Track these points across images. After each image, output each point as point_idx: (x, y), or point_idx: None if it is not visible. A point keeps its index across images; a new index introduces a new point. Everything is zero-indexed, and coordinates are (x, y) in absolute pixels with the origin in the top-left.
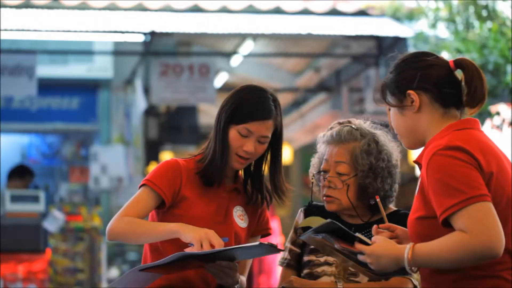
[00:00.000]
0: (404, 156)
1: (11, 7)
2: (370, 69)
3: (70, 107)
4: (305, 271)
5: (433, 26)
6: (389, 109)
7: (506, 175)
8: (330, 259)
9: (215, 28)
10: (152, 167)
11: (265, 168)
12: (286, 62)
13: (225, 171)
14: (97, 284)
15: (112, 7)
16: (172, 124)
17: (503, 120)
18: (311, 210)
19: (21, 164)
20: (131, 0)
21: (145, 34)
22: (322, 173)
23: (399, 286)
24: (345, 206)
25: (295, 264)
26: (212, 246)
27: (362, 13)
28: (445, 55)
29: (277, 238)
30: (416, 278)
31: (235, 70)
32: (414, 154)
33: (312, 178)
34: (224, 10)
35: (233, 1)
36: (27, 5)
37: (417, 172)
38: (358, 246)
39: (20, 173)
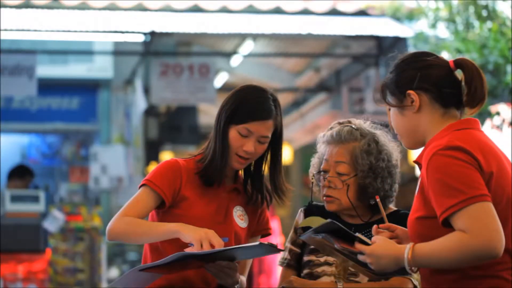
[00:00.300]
0: (404, 156)
1: (11, 7)
2: (370, 69)
3: (70, 107)
4: (305, 271)
5: (433, 26)
6: (389, 109)
7: (506, 175)
8: (330, 259)
9: (215, 28)
10: (152, 167)
11: (265, 168)
12: (286, 62)
13: (225, 171)
14: (97, 284)
15: (112, 7)
16: (172, 124)
17: (503, 120)
18: (311, 210)
19: (21, 164)
20: (131, 0)
21: (145, 34)
22: (322, 173)
23: (399, 286)
24: (345, 206)
25: (295, 264)
26: (212, 246)
27: (362, 13)
28: (445, 55)
29: (277, 238)
30: (416, 278)
31: (235, 70)
32: (414, 154)
33: (312, 178)
34: (224, 10)
35: (233, 1)
36: (27, 5)
37: (417, 172)
38: (358, 246)
39: (20, 173)
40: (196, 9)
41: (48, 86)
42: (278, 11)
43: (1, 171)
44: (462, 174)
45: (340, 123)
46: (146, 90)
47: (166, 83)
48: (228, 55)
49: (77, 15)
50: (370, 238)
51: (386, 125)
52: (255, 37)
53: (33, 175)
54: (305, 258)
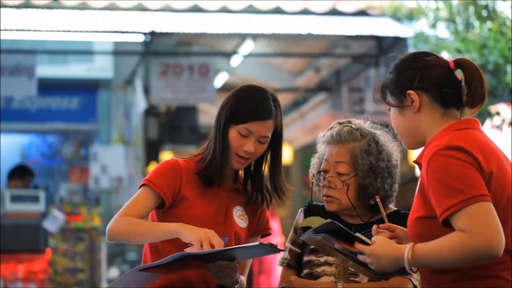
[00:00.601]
0: (404, 156)
1: (11, 7)
2: (370, 69)
3: (70, 107)
4: (305, 271)
5: (433, 26)
6: (389, 109)
7: (506, 175)
8: (330, 259)
9: (215, 28)
10: (152, 167)
11: (265, 168)
12: (286, 62)
13: (225, 171)
14: (97, 284)
15: (112, 7)
16: (172, 124)
17: (503, 120)
18: (311, 210)
19: (21, 164)
20: (131, 0)
21: (145, 34)
22: (322, 173)
23: (399, 286)
24: (345, 206)
25: (295, 264)
26: (212, 246)
27: (362, 13)
28: (445, 55)
29: (277, 238)
30: (416, 278)
31: (235, 70)
32: (414, 154)
33: (312, 178)
34: (224, 10)
35: (233, 1)
36: (27, 5)
37: (417, 172)
38: (358, 246)
39: (20, 173)
40: (196, 9)
41: (48, 86)
42: (278, 11)
43: (1, 171)
44: (462, 174)
45: (340, 123)
46: (146, 90)
47: (166, 83)
48: (228, 55)
49: (77, 15)
50: (370, 238)
51: (386, 125)
52: (255, 37)
53: (33, 175)
54: (305, 258)
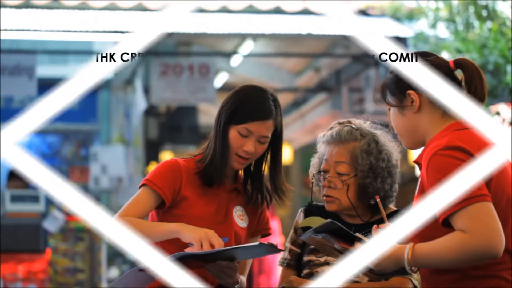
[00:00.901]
0: (404, 156)
1: (11, 7)
2: (370, 69)
3: (70, 107)
4: (305, 271)
5: (433, 26)
6: (389, 109)
7: (506, 175)
8: (330, 259)
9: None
10: (152, 167)
11: (265, 168)
12: (286, 62)
13: (225, 171)
14: (97, 284)
15: (112, 7)
16: (172, 124)
17: (503, 120)
18: (311, 210)
19: None
20: (131, 0)
21: None
22: (322, 173)
23: (399, 286)
24: (345, 206)
25: (295, 264)
26: (212, 246)
27: (362, 13)
28: (445, 55)
29: (277, 238)
30: (416, 278)
31: (235, 70)
32: (414, 154)
33: (312, 178)
34: (224, 10)
35: (233, 1)
36: (27, 5)
37: (417, 172)
38: (358, 246)
39: (20, 173)
40: (196, 9)
41: (48, 86)
42: (278, 11)
43: (1, 171)
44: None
45: (340, 123)
46: (146, 90)
47: (166, 83)
48: (228, 55)
49: (77, 15)
50: (370, 238)
51: (386, 125)
52: (255, 37)
53: None
54: (305, 258)
